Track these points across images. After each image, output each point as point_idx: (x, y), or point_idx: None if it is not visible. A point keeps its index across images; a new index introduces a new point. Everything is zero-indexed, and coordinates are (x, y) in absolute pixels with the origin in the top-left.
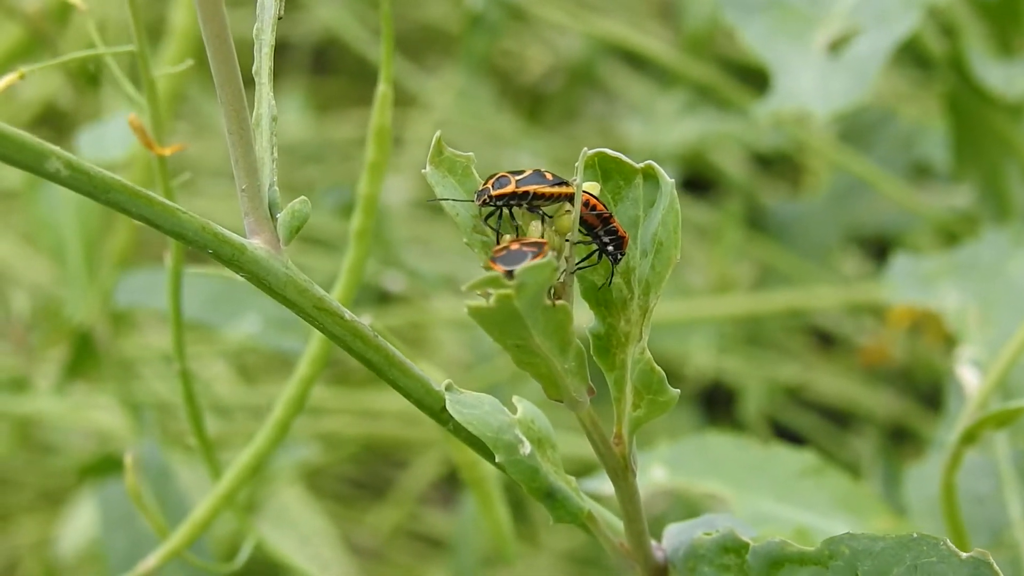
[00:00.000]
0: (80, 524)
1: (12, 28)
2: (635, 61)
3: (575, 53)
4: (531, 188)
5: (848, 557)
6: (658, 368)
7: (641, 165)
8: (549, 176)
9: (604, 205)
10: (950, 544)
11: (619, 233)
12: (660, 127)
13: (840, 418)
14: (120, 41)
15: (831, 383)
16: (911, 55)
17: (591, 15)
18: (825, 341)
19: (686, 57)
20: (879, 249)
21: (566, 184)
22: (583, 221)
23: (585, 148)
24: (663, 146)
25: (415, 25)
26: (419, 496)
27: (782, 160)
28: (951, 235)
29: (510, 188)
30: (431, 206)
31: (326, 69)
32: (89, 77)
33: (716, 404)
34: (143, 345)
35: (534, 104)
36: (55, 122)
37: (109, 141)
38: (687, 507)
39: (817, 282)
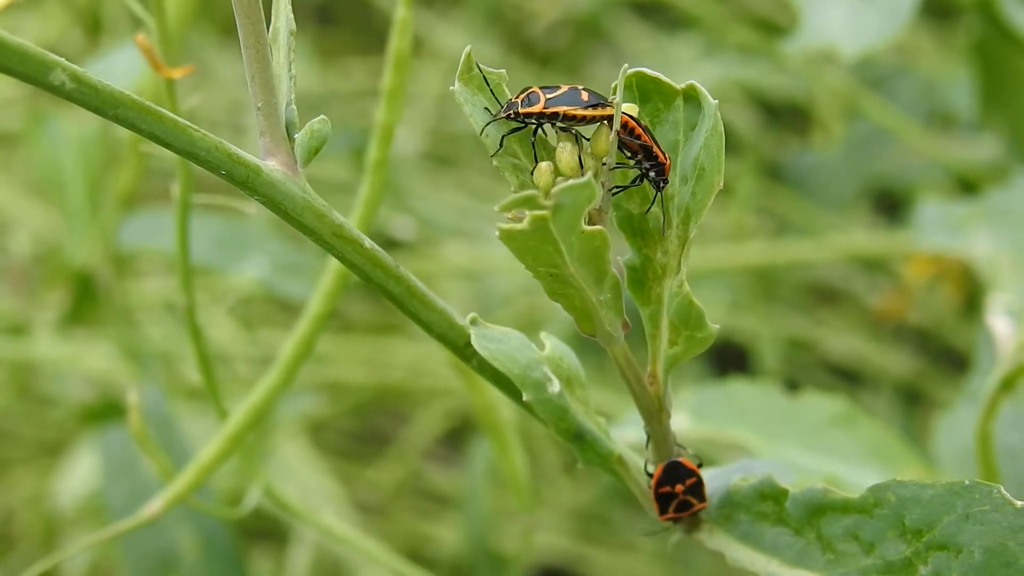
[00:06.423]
0: (79, 476)
1: None
2: (642, 11)
3: (582, 5)
4: (561, 109)
5: (894, 505)
6: (697, 302)
7: (682, 86)
8: (585, 96)
9: (643, 128)
10: (1004, 492)
11: (660, 159)
12: (676, 72)
13: (851, 376)
14: None
15: (842, 340)
16: (926, 3)
17: None
18: (835, 298)
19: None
20: (888, 205)
21: (602, 105)
22: (623, 145)
23: (625, 65)
24: None
25: None
26: (423, 452)
27: (790, 111)
28: (970, 187)
29: (538, 107)
30: (440, 160)
31: (330, 19)
32: (95, 21)
33: (727, 361)
34: (142, 291)
35: (542, 58)
36: None
37: (116, 70)
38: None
39: (832, 235)
